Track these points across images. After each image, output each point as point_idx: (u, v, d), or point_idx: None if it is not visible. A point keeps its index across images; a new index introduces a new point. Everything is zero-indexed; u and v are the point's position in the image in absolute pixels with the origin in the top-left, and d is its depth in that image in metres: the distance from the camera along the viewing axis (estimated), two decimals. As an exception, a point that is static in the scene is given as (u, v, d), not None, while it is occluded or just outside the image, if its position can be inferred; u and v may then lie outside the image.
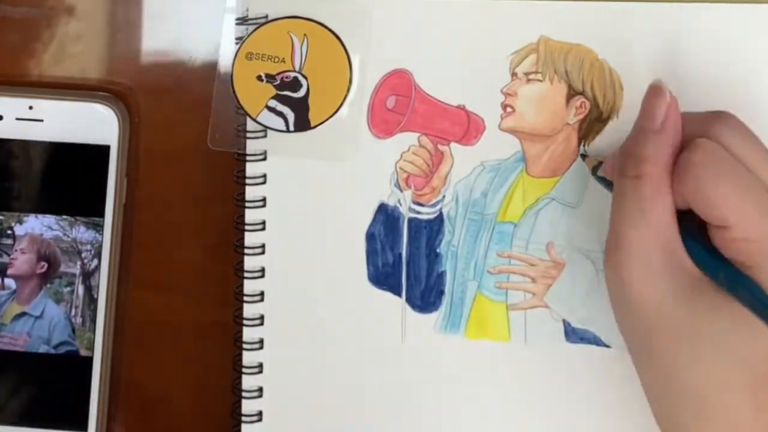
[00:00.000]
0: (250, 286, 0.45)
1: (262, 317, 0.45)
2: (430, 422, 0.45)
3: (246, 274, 0.45)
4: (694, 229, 0.37)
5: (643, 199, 0.36)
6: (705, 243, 0.36)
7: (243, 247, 0.45)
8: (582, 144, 0.44)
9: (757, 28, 0.43)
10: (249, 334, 0.45)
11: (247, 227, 0.45)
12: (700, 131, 0.37)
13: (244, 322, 0.45)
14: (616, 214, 0.38)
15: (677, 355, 0.36)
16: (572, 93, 0.44)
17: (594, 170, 0.42)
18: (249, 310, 0.45)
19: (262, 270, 0.45)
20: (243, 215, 0.45)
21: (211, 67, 0.46)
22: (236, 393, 0.45)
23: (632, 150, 0.38)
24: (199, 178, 0.46)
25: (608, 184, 0.41)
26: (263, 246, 0.45)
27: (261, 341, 0.45)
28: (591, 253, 0.44)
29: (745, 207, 0.35)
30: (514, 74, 0.44)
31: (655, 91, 0.38)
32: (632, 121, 0.43)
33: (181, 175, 0.47)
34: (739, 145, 0.37)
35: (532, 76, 0.44)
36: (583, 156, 0.44)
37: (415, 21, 0.45)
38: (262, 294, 0.45)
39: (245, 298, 0.45)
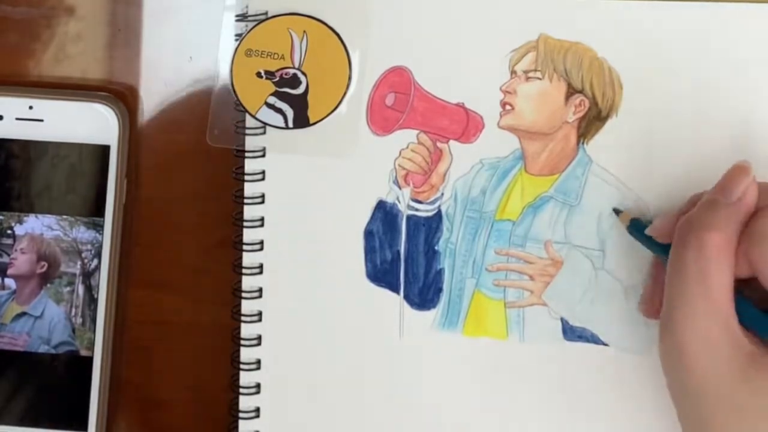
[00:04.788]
0: (248, 283, 0.45)
1: (260, 313, 0.45)
2: (427, 419, 0.45)
3: (244, 271, 0.45)
4: (746, 295, 0.37)
5: (706, 268, 0.36)
6: (757, 306, 0.36)
7: (241, 243, 0.45)
8: (581, 142, 0.44)
9: (754, 28, 0.43)
10: (247, 330, 0.45)
11: (245, 224, 0.45)
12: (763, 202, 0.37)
13: (242, 318, 0.45)
14: (673, 282, 0.37)
15: (738, 429, 0.35)
16: (571, 91, 0.44)
17: (634, 225, 0.42)
18: (247, 307, 0.45)
19: (261, 266, 0.45)
20: (241, 212, 0.45)
21: (210, 68, 0.46)
22: (234, 389, 0.45)
23: (699, 218, 0.37)
24: (199, 178, 0.46)
25: (652, 243, 0.41)
26: (261, 242, 0.45)
27: (259, 337, 0.45)
28: (589, 251, 0.44)
29: None
30: (513, 72, 0.44)
31: (739, 167, 0.38)
32: (631, 120, 0.44)
33: (181, 175, 0.47)
34: None
35: (531, 74, 0.44)
36: (617, 211, 0.43)
37: (415, 18, 0.45)
38: (260, 290, 0.45)
39: (243, 295, 0.45)
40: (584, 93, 0.44)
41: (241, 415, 0.45)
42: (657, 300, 0.40)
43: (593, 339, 0.44)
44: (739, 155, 0.43)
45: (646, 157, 0.43)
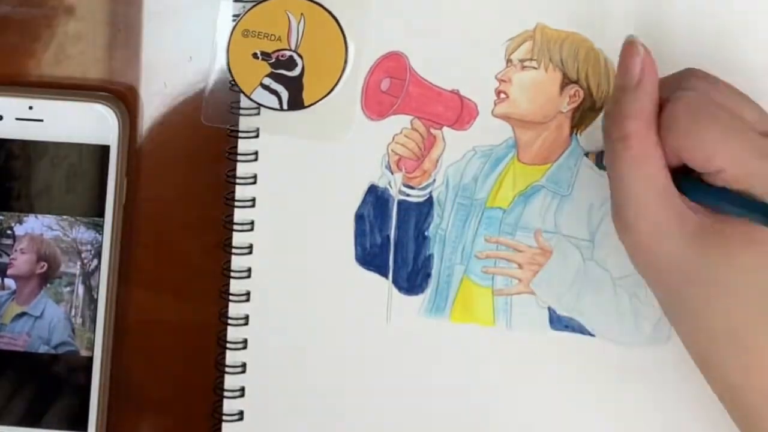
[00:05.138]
0: (237, 263, 0.45)
1: (248, 293, 0.45)
2: (413, 403, 0.45)
3: (234, 251, 0.45)
4: (686, 173, 0.37)
5: (634, 156, 0.36)
6: (700, 181, 0.37)
7: (232, 223, 0.45)
8: (574, 133, 0.44)
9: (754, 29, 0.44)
10: (234, 310, 0.45)
11: (236, 203, 0.45)
12: (675, 90, 0.37)
13: (230, 298, 0.45)
14: (612, 179, 0.38)
15: (695, 294, 0.36)
16: (566, 81, 0.44)
17: (598, 161, 0.42)
18: (235, 287, 0.45)
19: (250, 246, 0.45)
20: (233, 191, 0.45)
21: (210, 67, 0.46)
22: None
23: (615, 111, 0.38)
24: (199, 178, 0.47)
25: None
26: (252, 223, 0.45)
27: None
28: (579, 241, 0.44)
29: (734, 147, 0.35)
30: (509, 61, 0.44)
31: (629, 47, 0.38)
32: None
33: (181, 175, 0.47)
34: (716, 93, 0.37)
35: (527, 64, 0.44)
36: (586, 154, 0.44)
37: (413, 4, 0.45)
38: (249, 270, 0.45)
39: (232, 274, 0.45)
40: (579, 84, 0.44)
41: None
42: None
43: (580, 329, 0.44)
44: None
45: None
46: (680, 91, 0.37)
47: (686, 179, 0.37)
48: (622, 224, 0.38)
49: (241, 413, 0.45)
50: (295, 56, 0.44)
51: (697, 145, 0.36)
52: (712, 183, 0.36)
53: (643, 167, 0.36)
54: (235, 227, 0.45)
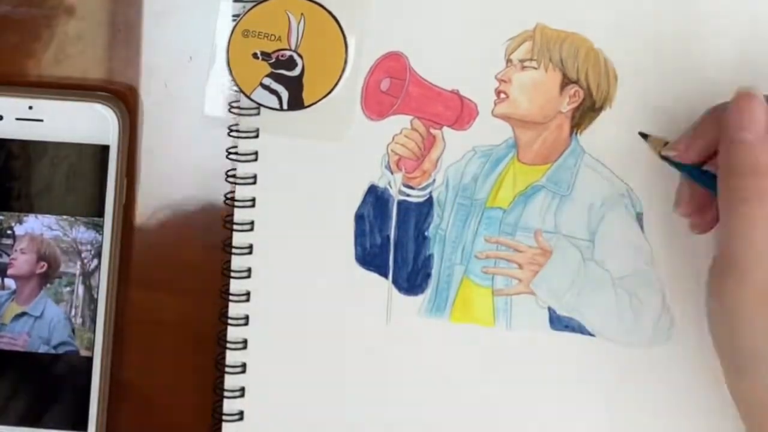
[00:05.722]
0: (237, 263, 0.45)
1: (248, 293, 0.45)
2: (412, 404, 0.45)
3: (234, 251, 0.45)
4: None
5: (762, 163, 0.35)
6: None
7: (232, 223, 0.45)
8: (574, 133, 0.44)
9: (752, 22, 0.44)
10: (234, 310, 0.45)
11: (237, 203, 0.45)
12: None
13: (230, 297, 0.45)
14: (730, 229, 0.35)
15: None
16: (566, 81, 0.44)
17: (665, 156, 0.41)
18: (235, 287, 0.45)
19: (250, 246, 0.45)
20: (233, 192, 0.45)
21: (210, 67, 0.46)
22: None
23: (739, 162, 0.36)
24: (199, 177, 0.46)
25: (675, 164, 0.41)
26: (252, 223, 0.45)
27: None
28: (578, 241, 0.44)
29: None
30: (509, 61, 0.44)
31: (747, 94, 0.37)
32: (625, 112, 0.44)
33: (181, 175, 0.47)
34: None
35: (527, 64, 0.44)
36: (644, 135, 0.43)
37: (413, 4, 0.45)
38: (249, 270, 0.45)
39: (232, 274, 0.45)
40: (579, 83, 0.44)
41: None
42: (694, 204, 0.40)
43: (580, 329, 0.44)
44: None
45: (639, 149, 0.43)
46: None
47: None
48: (738, 274, 0.35)
49: (241, 413, 0.45)
50: (295, 56, 0.44)
51: None
52: None
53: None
54: (235, 227, 0.45)
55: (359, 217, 0.45)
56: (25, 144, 0.46)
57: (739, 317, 0.35)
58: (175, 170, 0.47)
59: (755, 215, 0.35)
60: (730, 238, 0.35)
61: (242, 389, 0.45)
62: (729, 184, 0.36)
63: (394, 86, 0.45)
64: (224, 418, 0.45)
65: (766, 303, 0.34)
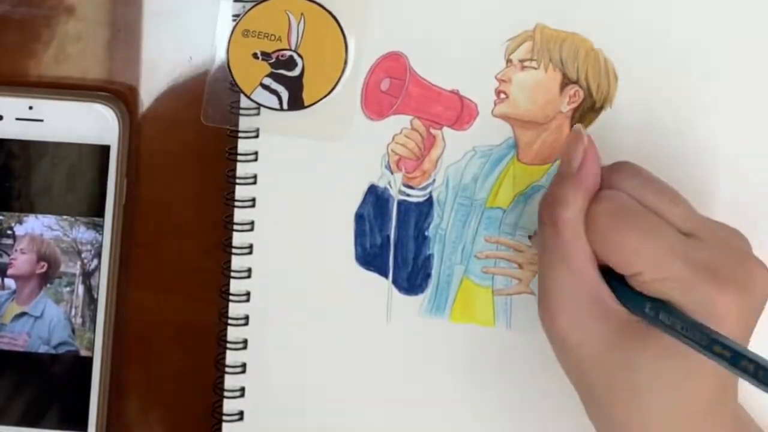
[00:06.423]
0: (237, 263, 0.45)
1: (248, 293, 0.45)
2: (412, 404, 0.45)
3: (234, 251, 0.45)
4: (614, 272, 0.36)
5: (563, 244, 0.36)
6: (626, 283, 0.36)
7: (232, 223, 0.45)
8: (574, 133, 0.44)
9: (752, 20, 0.44)
10: (234, 310, 0.45)
11: (236, 203, 0.45)
12: (604, 184, 0.37)
13: (231, 298, 0.45)
14: (540, 263, 0.38)
15: (616, 398, 0.36)
16: (566, 81, 0.44)
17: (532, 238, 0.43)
18: (235, 287, 0.45)
19: (250, 246, 0.45)
20: (233, 191, 0.45)
21: (210, 68, 0.46)
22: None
23: (550, 195, 0.38)
24: (199, 178, 0.46)
25: None
26: (252, 223, 0.45)
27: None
28: (579, 241, 0.44)
29: (651, 252, 0.35)
30: (509, 61, 0.44)
31: (573, 135, 0.38)
32: (625, 112, 0.44)
33: (181, 175, 0.47)
34: (641, 191, 0.37)
35: (527, 64, 0.44)
36: (528, 236, 0.44)
37: (412, 4, 0.45)
38: (249, 270, 0.45)
39: (232, 274, 0.45)
40: (579, 84, 0.44)
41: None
42: None
43: (580, 329, 0.44)
44: (735, 149, 0.43)
45: (639, 149, 0.43)
46: (606, 190, 0.37)
47: (612, 278, 0.36)
48: (545, 312, 0.37)
49: (241, 413, 0.45)
50: (295, 56, 0.44)
51: (615, 249, 0.36)
52: (630, 282, 0.36)
53: (569, 257, 0.36)
54: (235, 227, 0.45)
55: (359, 217, 0.45)
56: (25, 144, 0.46)
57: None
58: (175, 170, 0.47)
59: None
60: (540, 275, 0.38)
61: (242, 389, 0.45)
62: (539, 209, 0.39)
63: (394, 86, 0.45)
64: (224, 418, 0.45)
65: (561, 350, 0.38)
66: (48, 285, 0.46)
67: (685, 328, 0.33)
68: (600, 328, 0.36)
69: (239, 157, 0.45)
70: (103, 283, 0.45)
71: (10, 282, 0.46)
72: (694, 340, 0.33)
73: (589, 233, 0.36)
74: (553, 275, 0.37)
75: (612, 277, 0.37)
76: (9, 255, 0.46)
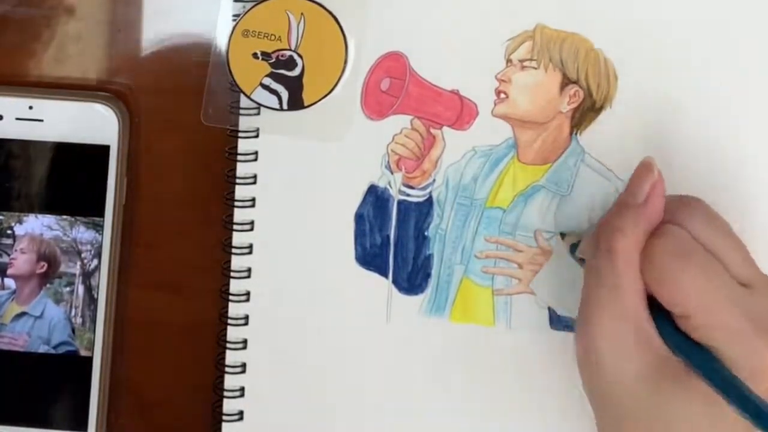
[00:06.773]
0: (237, 263, 0.45)
1: (248, 293, 0.45)
2: (413, 404, 0.45)
3: (234, 251, 0.45)
4: (663, 308, 0.36)
5: (616, 273, 0.36)
6: (673, 322, 0.36)
7: (232, 223, 0.45)
8: (574, 133, 0.44)
9: (752, 20, 0.44)
10: (234, 310, 0.45)
11: (236, 203, 0.45)
12: (669, 217, 0.37)
13: (230, 298, 0.45)
14: (587, 288, 0.38)
15: (641, 431, 0.36)
16: (566, 81, 0.44)
17: (572, 249, 0.42)
18: (235, 287, 0.45)
19: (250, 246, 0.45)
20: (233, 191, 0.45)
21: (210, 68, 0.46)
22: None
23: (611, 221, 0.37)
24: (199, 178, 0.46)
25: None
26: (252, 223, 0.45)
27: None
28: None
29: (704, 297, 0.35)
30: (509, 61, 0.44)
31: (644, 169, 0.38)
32: (625, 112, 0.44)
33: (181, 175, 0.47)
34: (705, 232, 0.36)
35: (526, 64, 0.44)
36: (562, 234, 0.44)
37: (413, 4, 0.45)
38: (249, 270, 0.45)
39: (232, 274, 0.45)
40: (579, 84, 0.44)
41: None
42: None
43: (580, 329, 0.44)
44: (735, 149, 0.43)
45: (639, 149, 0.43)
46: (669, 225, 0.37)
47: (659, 312, 0.36)
48: (584, 333, 0.37)
49: (241, 413, 0.45)
50: (295, 56, 0.44)
51: (669, 288, 0.35)
52: (677, 322, 0.36)
53: (620, 286, 0.36)
54: (235, 227, 0.45)
55: (359, 217, 0.45)
56: (25, 144, 0.46)
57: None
58: (175, 170, 0.47)
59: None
60: (585, 295, 0.38)
61: (242, 389, 0.45)
62: (595, 234, 0.38)
63: (394, 86, 0.45)
64: (224, 418, 0.45)
65: (592, 374, 0.37)
66: (48, 285, 0.46)
67: (725, 382, 0.33)
68: (638, 361, 0.36)
69: (239, 157, 0.45)
70: (103, 282, 0.45)
71: (10, 282, 0.46)
72: (730, 396, 0.33)
73: (644, 266, 0.36)
74: (599, 300, 0.37)
75: (658, 311, 0.36)
76: (9, 255, 0.46)
